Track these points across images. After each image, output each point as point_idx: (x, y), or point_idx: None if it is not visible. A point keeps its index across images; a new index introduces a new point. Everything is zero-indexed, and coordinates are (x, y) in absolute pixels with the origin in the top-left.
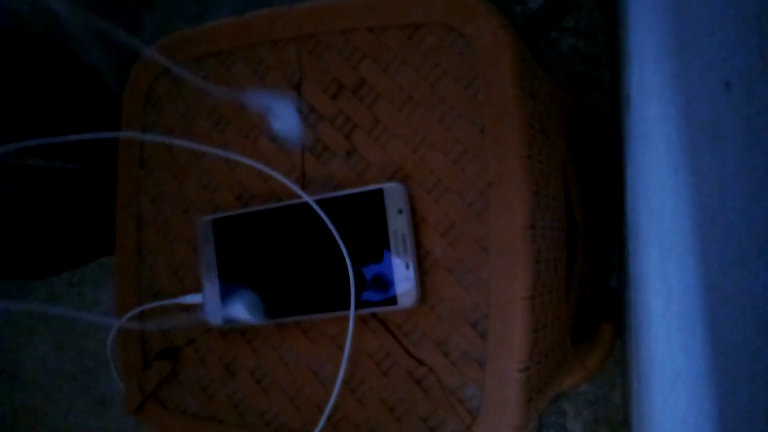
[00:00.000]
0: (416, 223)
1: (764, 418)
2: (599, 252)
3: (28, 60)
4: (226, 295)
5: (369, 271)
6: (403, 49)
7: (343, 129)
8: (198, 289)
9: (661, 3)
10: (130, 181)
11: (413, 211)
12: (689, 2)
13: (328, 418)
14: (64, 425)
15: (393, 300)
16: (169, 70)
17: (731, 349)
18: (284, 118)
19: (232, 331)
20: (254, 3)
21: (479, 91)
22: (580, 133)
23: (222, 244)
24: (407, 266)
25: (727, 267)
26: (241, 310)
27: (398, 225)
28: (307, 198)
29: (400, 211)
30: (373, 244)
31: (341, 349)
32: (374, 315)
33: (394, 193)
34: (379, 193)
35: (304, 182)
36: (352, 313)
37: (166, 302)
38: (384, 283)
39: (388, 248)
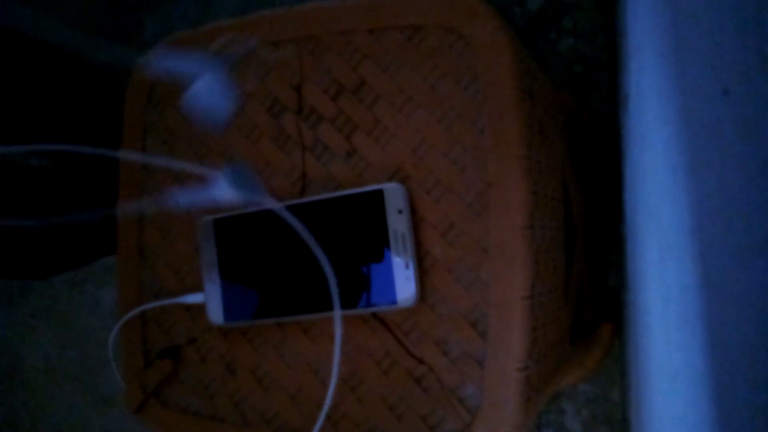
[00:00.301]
0: (416, 223)
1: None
2: (598, 252)
3: (30, 61)
4: (227, 294)
5: (369, 271)
6: (403, 50)
7: (344, 130)
8: (199, 288)
9: (660, 4)
10: (132, 181)
11: (413, 211)
12: (687, 4)
13: (328, 417)
14: (66, 424)
15: (393, 299)
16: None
17: (730, 349)
18: (210, 95)
19: (233, 330)
20: (255, 4)
21: (479, 92)
22: (579, 134)
23: (223, 243)
24: (407, 266)
25: (725, 267)
26: (242, 310)
27: (398, 225)
28: (273, 205)
29: (400, 211)
30: (373, 244)
31: (342, 348)
32: (374, 314)
33: (394, 194)
34: (379, 193)
35: (304, 183)
36: (337, 316)
37: (168, 302)
38: (384, 282)
39: (388, 248)
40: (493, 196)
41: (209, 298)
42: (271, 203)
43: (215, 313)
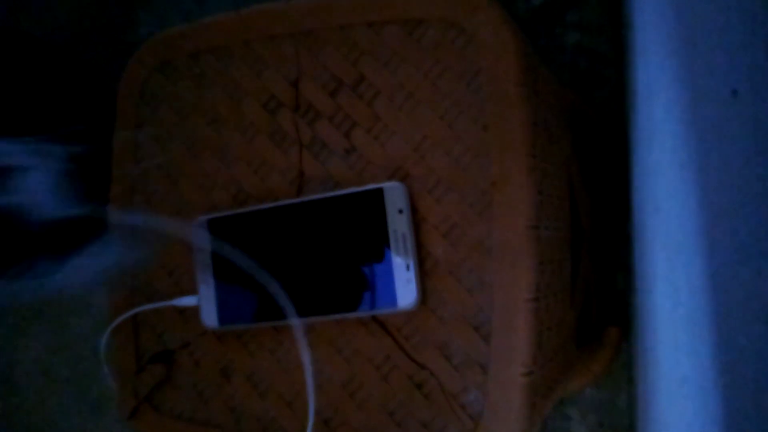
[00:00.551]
0: (417, 223)
1: None
2: (605, 253)
3: (25, 57)
4: (222, 297)
5: (369, 273)
6: (404, 45)
7: (342, 126)
8: (193, 291)
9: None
10: (124, 181)
11: (414, 210)
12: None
13: (326, 422)
14: (58, 429)
15: (393, 302)
16: (164, 66)
17: (738, 353)
18: None
19: (227, 334)
20: None
21: (481, 88)
22: (584, 131)
23: (218, 244)
24: (408, 267)
25: (734, 269)
26: (237, 313)
27: (398, 225)
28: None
29: (400, 211)
30: (372, 245)
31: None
32: (374, 317)
33: (394, 193)
34: (379, 192)
35: (301, 181)
36: (299, 334)
37: (161, 304)
38: (384, 284)
39: (388, 249)
40: (496, 195)
41: (203, 301)
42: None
43: (209, 317)
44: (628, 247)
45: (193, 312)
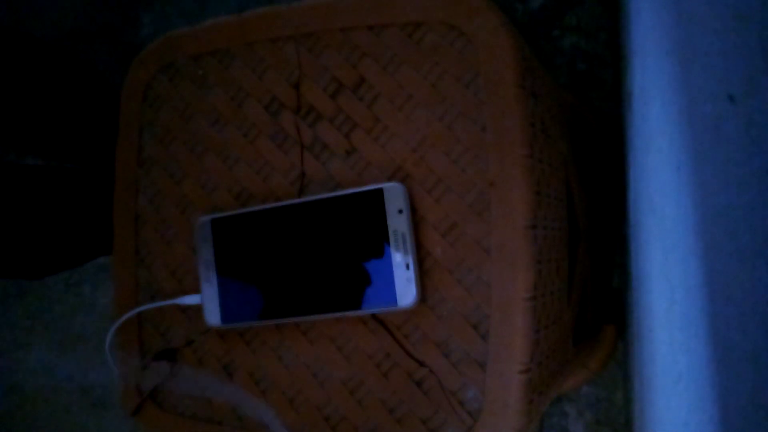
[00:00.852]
0: (416, 223)
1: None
2: (601, 252)
3: (28, 59)
4: (224, 295)
5: (369, 271)
6: (403, 48)
7: (343, 128)
8: (196, 289)
9: (662, 1)
10: (128, 181)
11: (413, 210)
12: (690, 2)
13: (327, 420)
14: (62, 427)
15: (393, 300)
16: (166, 68)
17: (734, 350)
18: None
19: (230, 332)
20: (253, 1)
21: (480, 90)
22: (581, 132)
23: (220, 244)
24: (407, 266)
25: (729, 267)
26: (239, 311)
27: (398, 225)
28: None
29: (400, 211)
30: (372, 245)
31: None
32: (374, 316)
33: (394, 193)
34: (379, 192)
35: (303, 182)
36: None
37: (164, 303)
38: (384, 283)
39: (388, 248)
40: (494, 195)
41: (206, 300)
42: None
43: (212, 315)
44: (624, 246)
45: (196, 310)
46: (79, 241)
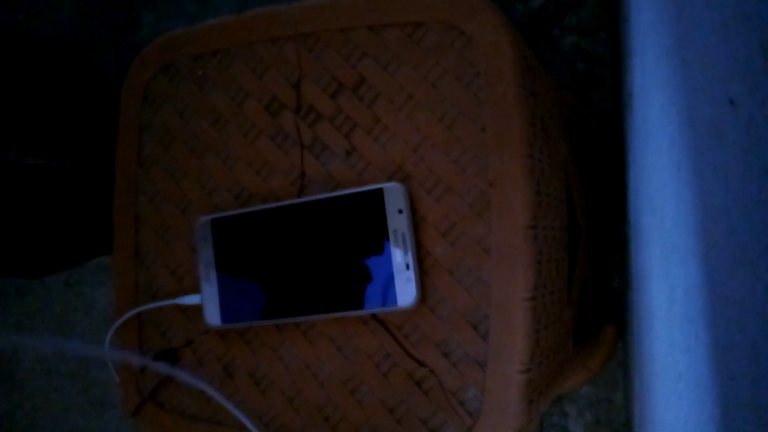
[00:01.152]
0: (416, 223)
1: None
2: (601, 252)
3: (28, 58)
4: (224, 295)
5: (369, 271)
6: (403, 48)
7: (343, 128)
8: (196, 289)
9: (662, 2)
10: (127, 181)
11: (413, 211)
12: (691, 1)
13: (327, 419)
14: (62, 427)
15: (393, 301)
16: (167, 68)
17: (733, 351)
18: None
19: (230, 332)
20: (253, 1)
21: (480, 90)
22: (581, 133)
23: (220, 244)
24: (407, 266)
25: (729, 268)
26: (239, 311)
27: (398, 225)
28: None
29: (400, 211)
30: (373, 245)
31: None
32: (374, 316)
33: (394, 193)
34: (379, 192)
35: (303, 182)
36: None
37: (164, 303)
38: (384, 283)
39: (389, 248)
40: (494, 195)
41: (206, 300)
42: None
43: (212, 315)
44: (624, 246)
45: (196, 310)
46: (79, 240)
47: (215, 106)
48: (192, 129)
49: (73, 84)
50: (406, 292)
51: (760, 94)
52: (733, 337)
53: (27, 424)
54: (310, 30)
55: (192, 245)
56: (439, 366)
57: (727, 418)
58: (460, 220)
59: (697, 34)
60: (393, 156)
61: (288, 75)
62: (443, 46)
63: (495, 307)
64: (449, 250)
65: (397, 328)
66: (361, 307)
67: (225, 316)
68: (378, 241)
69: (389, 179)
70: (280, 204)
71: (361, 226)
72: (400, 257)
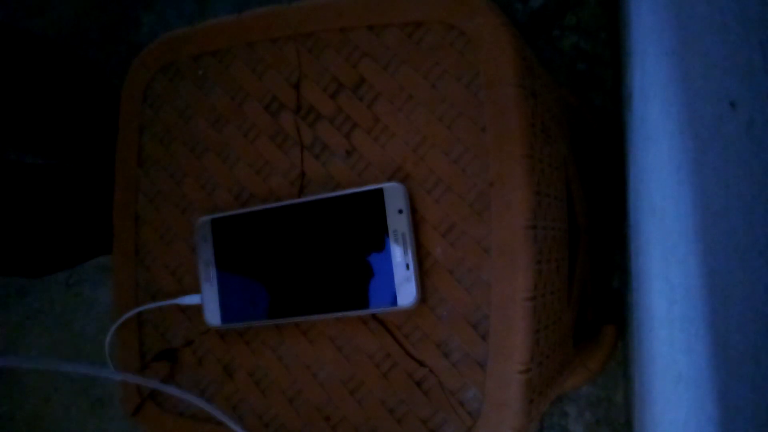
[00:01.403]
0: (416, 223)
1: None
2: (601, 252)
3: (28, 57)
4: (224, 295)
5: (369, 271)
6: (403, 48)
7: (343, 128)
8: (196, 289)
9: (663, 1)
10: (127, 180)
11: (413, 211)
12: (691, 1)
13: (327, 419)
14: (62, 427)
15: (393, 301)
16: (167, 68)
17: (733, 351)
18: None
19: (230, 332)
20: (253, 1)
21: (480, 90)
22: (581, 132)
23: (220, 244)
24: (407, 267)
25: (729, 268)
26: (239, 311)
27: (398, 225)
28: None
29: (400, 211)
30: (373, 245)
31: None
32: (374, 316)
33: (394, 193)
34: (379, 192)
35: (303, 182)
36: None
37: (164, 303)
38: (384, 283)
39: (389, 248)
40: (494, 195)
41: (206, 300)
42: None
43: (212, 315)
44: (624, 246)
45: (196, 310)
46: (79, 240)
47: (215, 106)
48: (192, 129)
49: (73, 84)
50: (406, 292)
51: (760, 94)
52: (733, 337)
53: (27, 424)
54: (310, 30)
55: (192, 245)
56: (439, 366)
57: (728, 417)
58: (460, 220)
59: (697, 35)
60: (393, 156)
61: (288, 75)
62: (443, 46)
63: (495, 307)
64: (449, 250)
65: (397, 328)
66: (361, 307)
67: (225, 316)
68: (378, 241)
69: (389, 179)
70: (280, 204)
71: (361, 226)
72: (400, 257)
